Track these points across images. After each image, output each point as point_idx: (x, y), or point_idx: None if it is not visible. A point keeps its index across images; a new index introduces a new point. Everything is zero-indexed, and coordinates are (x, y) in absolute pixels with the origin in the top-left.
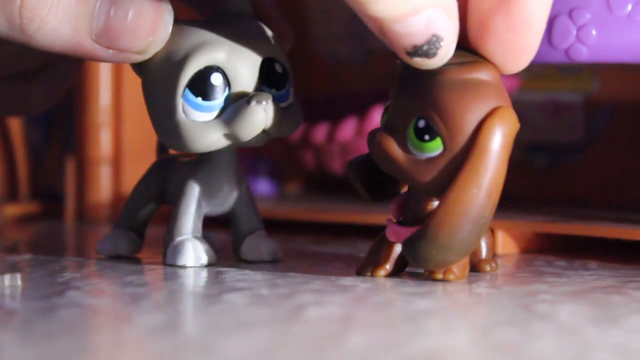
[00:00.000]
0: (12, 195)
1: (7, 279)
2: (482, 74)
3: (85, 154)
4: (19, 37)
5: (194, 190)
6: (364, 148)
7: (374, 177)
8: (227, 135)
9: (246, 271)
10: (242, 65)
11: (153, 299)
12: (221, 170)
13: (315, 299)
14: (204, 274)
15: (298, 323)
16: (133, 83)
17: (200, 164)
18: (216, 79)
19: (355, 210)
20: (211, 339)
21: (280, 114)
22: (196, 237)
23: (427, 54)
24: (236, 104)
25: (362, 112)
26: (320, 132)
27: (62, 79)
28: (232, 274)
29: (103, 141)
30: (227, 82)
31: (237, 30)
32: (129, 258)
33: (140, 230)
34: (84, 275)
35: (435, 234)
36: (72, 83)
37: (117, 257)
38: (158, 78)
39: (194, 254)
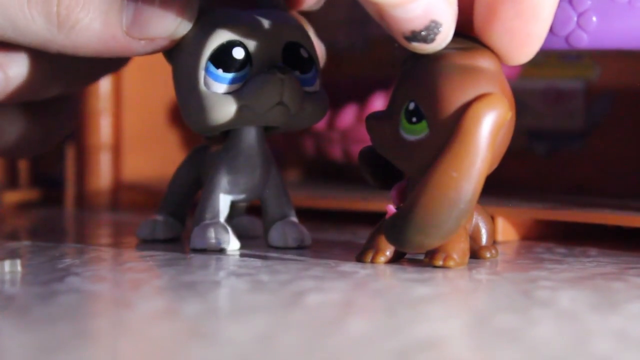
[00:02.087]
0: (12, 182)
1: (7, 265)
2: (479, 61)
3: (85, 140)
4: (54, 38)
5: (219, 176)
6: (364, 135)
7: (382, 166)
8: (245, 107)
9: (246, 257)
10: (264, 43)
11: (153, 285)
12: (246, 156)
13: (315, 285)
14: (203, 259)
15: (298, 309)
16: (133, 70)
17: (226, 150)
18: (238, 52)
19: (355, 197)
20: (211, 324)
21: (302, 93)
22: (218, 222)
23: (426, 40)
24: (256, 77)
25: (362, 99)
26: None
27: (61, 122)
28: (232, 260)
29: (103, 128)
30: (250, 58)
31: (263, 14)
32: (129, 245)
33: (179, 215)
34: (84, 262)
35: (412, 216)
36: (69, 132)
37: (119, 244)
38: (184, 59)
39: (214, 238)
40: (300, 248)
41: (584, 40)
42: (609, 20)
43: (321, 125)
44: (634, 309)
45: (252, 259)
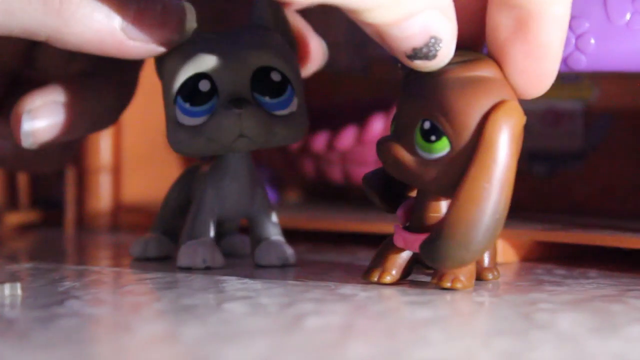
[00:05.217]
0: (12, 203)
1: (7, 288)
2: (484, 71)
3: (85, 162)
4: (48, 23)
5: (204, 196)
6: (364, 156)
7: (389, 189)
8: (210, 140)
9: (246, 280)
10: (230, 73)
11: (153, 308)
12: (232, 177)
13: (315, 307)
14: (203, 282)
15: (298, 332)
16: None
17: (213, 171)
18: (203, 85)
19: (354, 218)
20: (211, 348)
21: (268, 121)
22: (205, 241)
23: (427, 56)
24: (216, 112)
25: (361, 120)
26: (320, 141)
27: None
28: (232, 283)
29: (103, 150)
30: (216, 89)
31: (233, 39)
32: (129, 267)
33: (171, 233)
34: (84, 284)
35: (452, 232)
36: (78, 148)
37: (119, 266)
38: (164, 85)
39: (200, 256)
40: (285, 266)
41: (582, 63)
42: (607, 42)
43: (321, 146)
44: (634, 332)
45: (252, 281)
